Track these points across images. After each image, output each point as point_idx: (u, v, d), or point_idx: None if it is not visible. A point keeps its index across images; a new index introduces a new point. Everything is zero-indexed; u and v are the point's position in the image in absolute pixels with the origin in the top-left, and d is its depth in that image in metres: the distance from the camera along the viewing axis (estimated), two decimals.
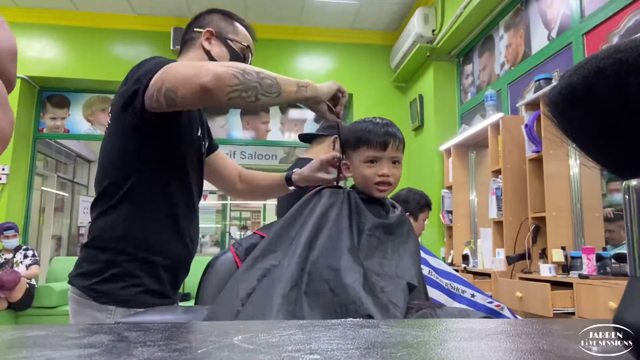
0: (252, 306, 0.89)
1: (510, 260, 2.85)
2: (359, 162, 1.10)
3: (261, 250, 1.01)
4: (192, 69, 1.01)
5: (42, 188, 6.92)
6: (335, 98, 1.15)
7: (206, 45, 1.27)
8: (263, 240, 1.04)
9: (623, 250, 2.25)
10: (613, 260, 2.15)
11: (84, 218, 6.91)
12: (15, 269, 4.27)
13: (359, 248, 0.99)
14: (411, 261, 1.01)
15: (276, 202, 2.29)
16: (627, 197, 0.37)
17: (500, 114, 3.22)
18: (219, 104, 1.02)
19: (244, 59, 1.29)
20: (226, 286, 0.96)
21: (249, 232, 5.91)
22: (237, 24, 1.32)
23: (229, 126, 5.53)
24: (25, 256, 4.38)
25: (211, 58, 1.25)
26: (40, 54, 4.99)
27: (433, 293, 1.64)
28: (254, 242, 1.08)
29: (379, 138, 1.07)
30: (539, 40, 3.29)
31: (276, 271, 0.95)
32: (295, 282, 0.91)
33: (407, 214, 2.34)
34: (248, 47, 1.31)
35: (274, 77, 1.04)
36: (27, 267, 4.37)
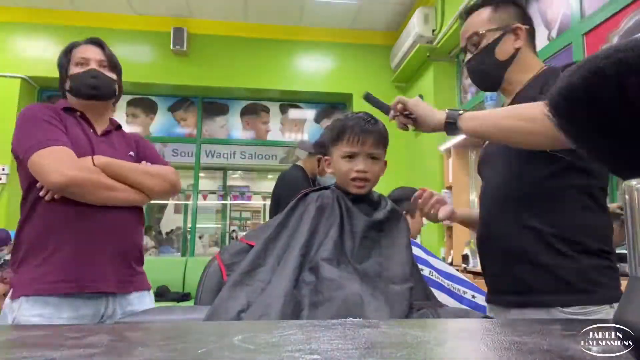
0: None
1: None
2: (337, 157, 1.10)
3: (250, 262, 0.98)
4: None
5: None
6: None
7: None
8: (251, 252, 1.02)
9: (623, 250, 2.25)
10: None
11: None
12: None
13: (355, 252, 0.98)
14: (405, 257, 1.02)
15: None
16: (627, 197, 0.37)
17: None
18: None
19: None
20: (214, 303, 0.93)
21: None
22: None
23: (228, 126, 5.53)
24: None
25: None
26: (40, 54, 4.99)
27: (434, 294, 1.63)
28: (241, 247, 1.08)
29: (356, 134, 1.07)
30: (539, 40, 3.27)
31: (268, 288, 0.92)
32: (292, 297, 0.89)
33: (405, 212, 2.33)
34: None
35: None
36: None
